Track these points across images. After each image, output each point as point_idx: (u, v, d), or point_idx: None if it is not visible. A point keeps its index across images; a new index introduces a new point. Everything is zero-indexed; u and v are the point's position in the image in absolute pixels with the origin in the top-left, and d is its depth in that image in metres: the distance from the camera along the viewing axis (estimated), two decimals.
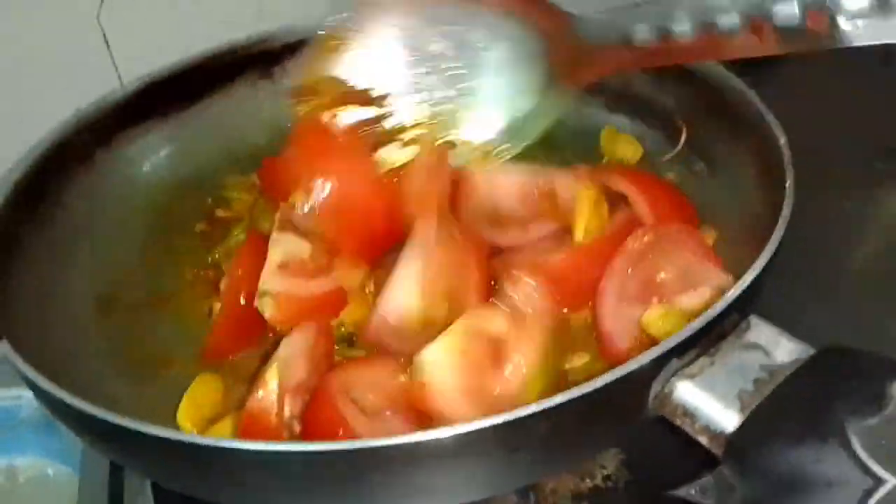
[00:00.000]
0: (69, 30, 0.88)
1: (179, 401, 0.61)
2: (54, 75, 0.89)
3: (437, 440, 0.47)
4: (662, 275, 0.61)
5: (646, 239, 0.61)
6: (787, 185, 0.60)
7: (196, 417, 0.61)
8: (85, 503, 0.73)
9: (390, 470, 0.49)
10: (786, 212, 0.58)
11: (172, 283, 0.75)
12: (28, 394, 0.89)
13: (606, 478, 0.66)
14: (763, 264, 0.54)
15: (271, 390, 0.57)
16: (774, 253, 0.55)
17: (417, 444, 0.47)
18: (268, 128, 0.90)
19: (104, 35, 0.90)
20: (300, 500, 0.55)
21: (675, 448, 0.66)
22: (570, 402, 0.48)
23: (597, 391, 0.49)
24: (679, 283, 0.61)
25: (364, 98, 0.69)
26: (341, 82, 0.69)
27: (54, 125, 0.78)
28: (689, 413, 0.50)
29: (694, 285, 0.60)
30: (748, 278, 0.53)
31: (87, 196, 0.78)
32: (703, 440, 0.49)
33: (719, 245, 0.69)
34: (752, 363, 0.50)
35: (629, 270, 0.61)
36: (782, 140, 0.64)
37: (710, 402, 0.49)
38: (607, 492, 0.65)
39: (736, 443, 0.47)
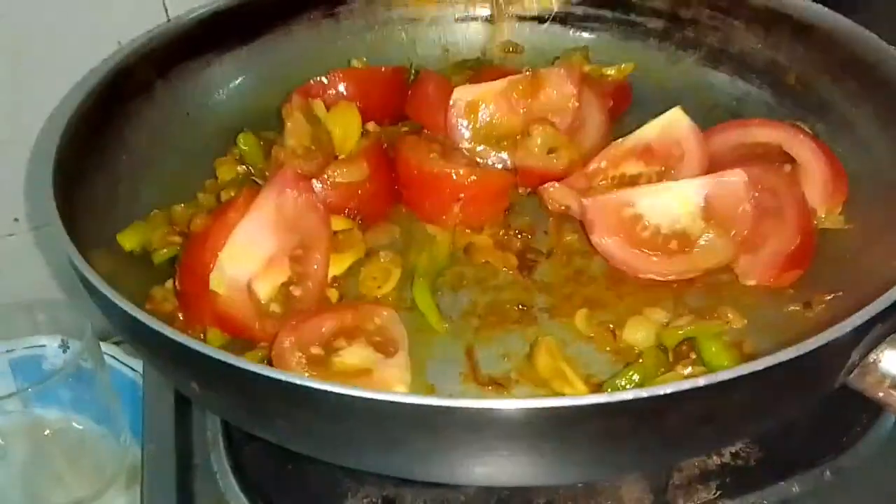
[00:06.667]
0: None
1: None
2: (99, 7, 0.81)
3: (647, 397, 0.42)
4: None
5: None
6: None
7: None
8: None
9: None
10: None
11: None
12: (52, 343, 0.83)
13: (735, 455, 0.61)
14: None
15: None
16: None
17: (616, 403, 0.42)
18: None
19: None
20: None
21: (809, 425, 0.63)
22: (765, 370, 0.43)
23: (796, 359, 0.44)
24: None
25: None
26: None
27: (109, 55, 0.70)
28: None
29: None
30: None
31: (147, 129, 0.71)
32: None
33: (850, 204, 0.65)
34: None
35: None
36: None
37: None
38: (737, 470, 0.60)
39: None
